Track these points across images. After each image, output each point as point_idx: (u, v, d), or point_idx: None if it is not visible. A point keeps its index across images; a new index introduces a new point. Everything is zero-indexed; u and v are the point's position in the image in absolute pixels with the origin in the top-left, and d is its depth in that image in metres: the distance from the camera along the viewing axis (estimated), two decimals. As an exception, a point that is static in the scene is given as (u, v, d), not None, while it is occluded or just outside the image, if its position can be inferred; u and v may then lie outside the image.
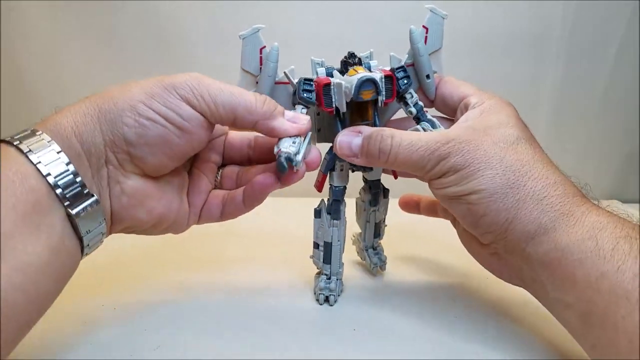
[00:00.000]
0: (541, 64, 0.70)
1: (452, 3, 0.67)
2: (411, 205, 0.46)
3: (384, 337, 0.35)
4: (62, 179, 0.27)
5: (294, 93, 0.35)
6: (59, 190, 0.26)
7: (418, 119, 0.37)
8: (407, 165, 0.33)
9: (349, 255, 0.49)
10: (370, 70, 0.35)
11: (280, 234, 0.52)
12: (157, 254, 0.48)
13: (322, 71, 0.35)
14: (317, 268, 0.41)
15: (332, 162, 0.38)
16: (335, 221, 0.38)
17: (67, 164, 0.27)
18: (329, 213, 0.38)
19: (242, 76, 0.35)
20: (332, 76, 0.35)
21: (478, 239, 0.34)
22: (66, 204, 0.27)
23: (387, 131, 0.33)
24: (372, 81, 0.33)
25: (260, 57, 0.34)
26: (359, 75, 0.33)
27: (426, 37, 0.36)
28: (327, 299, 0.40)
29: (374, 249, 0.45)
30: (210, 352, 0.33)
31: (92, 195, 0.28)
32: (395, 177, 0.42)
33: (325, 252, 0.40)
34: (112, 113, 0.29)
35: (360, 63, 0.35)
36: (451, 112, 0.38)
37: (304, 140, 0.34)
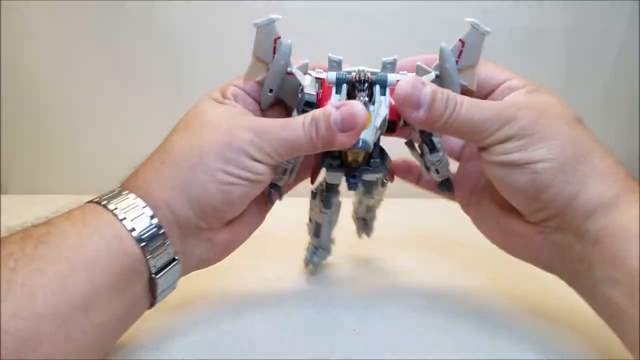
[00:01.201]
0: (541, 64, 0.70)
1: (452, 4, 0.67)
2: (408, 171, 0.41)
3: (384, 338, 0.35)
4: (154, 245, 0.28)
5: (299, 97, 0.34)
6: (149, 256, 0.28)
7: (421, 132, 0.35)
8: (467, 127, 0.31)
9: (351, 254, 0.49)
10: (382, 92, 0.33)
11: (281, 234, 0.52)
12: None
13: (332, 77, 0.33)
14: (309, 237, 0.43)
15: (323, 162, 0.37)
16: (325, 209, 0.39)
17: (160, 231, 0.29)
18: (321, 200, 0.39)
19: (254, 63, 0.34)
20: (340, 87, 0.33)
21: (524, 218, 0.32)
22: (153, 269, 0.28)
23: (449, 91, 0.31)
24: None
25: (274, 47, 0.33)
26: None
27: (462, 50, 0.33)
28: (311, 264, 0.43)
29: (365, 220, 0.46)
30: (209, 352, 0.33)
31: (175, 259, 0.30)
32: (392, 180, 0.40)
33: (316, 229, 0.41)
34: (196, 186, 0.30)
35: (370, 87, 0.32)
36: (485, 97, 0.35)
37: (296, 163, 0.35)
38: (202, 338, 0.34)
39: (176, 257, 0.30)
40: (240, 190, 0.31)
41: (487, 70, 0.34)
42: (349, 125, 0.30)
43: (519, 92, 0.33)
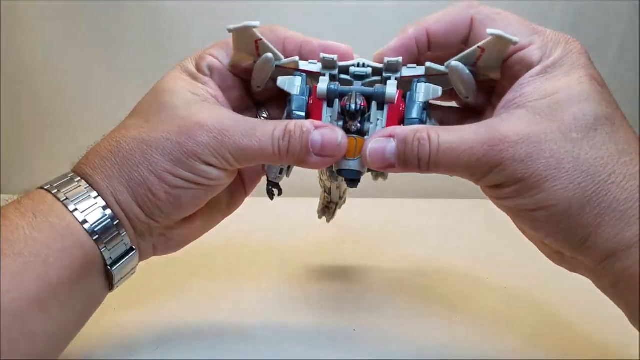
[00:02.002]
0: (541, 64, 0.70)
1: (453, 3, 0.67)
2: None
3: (384, 338, 0.35)
4: (108, 237, 0.27)
5: (287, 109, 0.31)
6: (103, 248, 0.27)
7: None
8: (451, 171, 0.27)
9: (350, 254, 0.49)
10: (380, 106, 0.29)
11: (280, 235, 0.52)
12: (156, 258, 0.48)
13: (322, 91, 0.29)
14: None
15: None
16: (331, 179, 0.38)
17: (114, 222, 0.27)
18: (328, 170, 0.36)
19: (237, 54, 0.30)
20: (331, 101, 0.29)
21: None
22: (108, 261, 0.27)
23: (423, 131, 0.26)
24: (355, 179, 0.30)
25: (257, 47, 0.30)
26: (344, 169, 0.29)
27: (481, 56, 0.28)
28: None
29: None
30: (209, 353, 0.33)
31: (133, 249, 0.29)
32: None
33: (326, 187, 0.41)
34: (142, 187, 0.28)
35: (363, 115, 0.29)
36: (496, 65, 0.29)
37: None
38: (199, 339, 0.34)
39: (134, 247, 0.29)
40: (191, 195, 0.28)
41: (511, 26, 0.28)
42: (328, 152, 0.28)
43: (532, 79, 0.27)
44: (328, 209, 0.43)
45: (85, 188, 0.27)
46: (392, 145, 0.27)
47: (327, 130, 0.28)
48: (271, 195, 0.35)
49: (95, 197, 0.27)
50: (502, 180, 0.25)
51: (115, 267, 0.28)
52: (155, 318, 0.37)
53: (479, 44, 0.27)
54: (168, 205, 0.28)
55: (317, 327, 0.37)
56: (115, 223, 0.27)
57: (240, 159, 0.28)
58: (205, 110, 0.28)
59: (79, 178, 0.28)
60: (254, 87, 0.32)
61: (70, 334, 0.28)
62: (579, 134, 0.25)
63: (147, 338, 0.34)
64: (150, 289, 0.41)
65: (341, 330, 0.36)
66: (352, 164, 0.29)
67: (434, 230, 0.54)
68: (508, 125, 0.25)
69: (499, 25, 0.28)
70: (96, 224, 0.26)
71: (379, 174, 0.41)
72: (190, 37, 0.69)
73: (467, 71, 0.28)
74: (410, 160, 0.27)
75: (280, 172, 0.34)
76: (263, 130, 0.27)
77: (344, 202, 0.43)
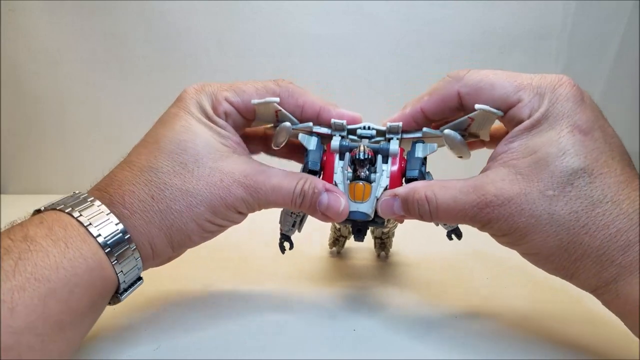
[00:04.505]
0: (541, 64, 0.70)
1: (452, 3, 0.68)
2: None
3: (384, 338, 0.35)
4: (130, 272, 0.30)
5: (305, 162, 0.35)
6: (123, 281, 0.30)
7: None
8: (452, 221, 0.32)
9: (348, 256, 0.49)
10: (384, 160, 0.34)
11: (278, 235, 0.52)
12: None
13: (335, 146, 0.35)
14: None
15: None
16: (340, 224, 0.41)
17: (137, 260, 0.30)
18: None
19: (259, 119, 0.35)
20: (343, 155, 0.35)
21: None
22: (120, 290, 0.30)
23: (420, 193, 0.31)
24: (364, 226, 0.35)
25: (276, 114, 0.34)
26: (353, 211, 0.33)
27: (470, 124, 0.32)
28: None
29: (382, 240, 0.48)
30: (209, 353, 0.33)
31: (140, 279, 0.32)
32: (401, 221, 0.38)
33: (335, 226, 0.47)
34: (182, 233, 0.32)
35: (370, 163, 0.34)
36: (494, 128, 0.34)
37: (304, 216, 0.37)
38: (199, 339, 0.34)
39: (141, 277, 0.32)
40: (216, 235, 0.34)
41: (495, 90, 0.31)
42: (330, 215, 0.33)
43: (516, 134, 0.30)
44: (338, 241, 0.49)
45: (116, 225, 0.29)
46: (398, 202, 0.32)
47: (334, 196, 0.33)
48: (282, 249, 0.38)
49: (127, 238, 0.30)
50: (493, 232, 0.30)
51: (123, 295, 0.31)
52: (155, 318, 0.37)
53: (469, 115, 0.31)
54: (197, 244, 0.33)
55: (317, 327, 0.37)
56: (136, 257, 0.30)
57: (264, 207, 0.33)
58: (239, 165, 0.33)
59: (109, 212, 0.30)
60: (274, 146, 0.37)
61: (74, 352, 0.29)
62: (555, 190, 0.28)
63: (147, 338, 0.34)
64: (149, 289, 0.41)
65: (341, 330, 0.36)
66: (362, 207, 0.33)
67: (435, 230, 0.54)
68: (493, 187, 0.29)
69: (484, 94, 0.31)
70: (124, 261, 0.29)
71: (381, 247, 0.49)
72: (193, 37, 0.69)
73: (459, 137, 0.33)
74: (414, 215, 0.32)
75: (293, 225, 0.37)
76: (287, 188, 0.33)
77: (351, 235, 0.46)
